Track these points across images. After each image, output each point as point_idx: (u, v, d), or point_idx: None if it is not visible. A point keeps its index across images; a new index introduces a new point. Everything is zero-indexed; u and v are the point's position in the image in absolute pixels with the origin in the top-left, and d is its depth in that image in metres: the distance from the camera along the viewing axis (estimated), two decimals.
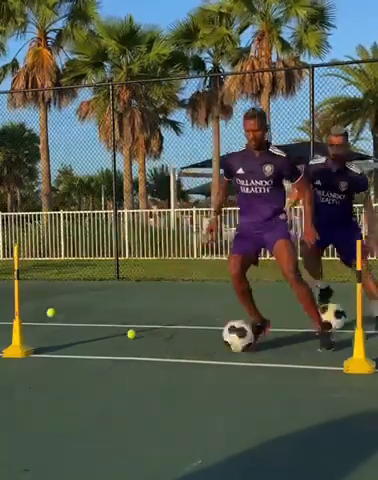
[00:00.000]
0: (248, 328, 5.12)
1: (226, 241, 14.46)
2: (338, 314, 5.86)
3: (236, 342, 5.06)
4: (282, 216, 5.17)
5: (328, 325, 5.30)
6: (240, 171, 5.11)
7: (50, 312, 6.72)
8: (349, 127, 28.43)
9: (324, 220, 5.65)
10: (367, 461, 2.87)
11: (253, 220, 5.14)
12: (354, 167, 5.74)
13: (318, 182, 5.73)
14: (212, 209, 5.61)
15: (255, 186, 5.07)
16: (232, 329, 5.10)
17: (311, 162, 5.89)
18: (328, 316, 5.81)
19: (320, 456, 2.94)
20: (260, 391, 4.04)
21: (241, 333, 5.06)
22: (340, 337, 5.40)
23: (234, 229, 5.50)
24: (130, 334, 5.63)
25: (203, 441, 3.16)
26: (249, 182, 5.08)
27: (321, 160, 5.84)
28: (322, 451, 2.99)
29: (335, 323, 5.75)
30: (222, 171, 5.41)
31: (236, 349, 5.06)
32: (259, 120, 4.96)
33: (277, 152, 5.10)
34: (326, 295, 6.12)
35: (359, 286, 4.40)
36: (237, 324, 5.12)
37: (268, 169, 5.02)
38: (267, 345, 5.28)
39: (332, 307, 5.91)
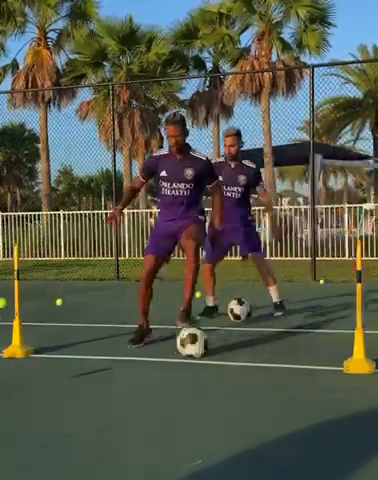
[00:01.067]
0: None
1: None
2: (240, 302, 6.39)
3: None
4: (201, 217, 5.48)
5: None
6: (163, 173, 5.35)
7: (58, 301, 7.55)
8: (349, 127, 28.48)
9: (225, 214, 6.19)
10: (367, 461, 2.87)
11: (171, 220, 5.41)
12: (249, 163, 6.46)
13: (220, 178, 6.19)
14: (119, 205, 5.87)
15: (176, 189, 5.34)
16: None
17: (213, 161, 6.33)
18: (237, 307, 6.36)
19: (320, 456, 2.94)
20: (260, 391, 4.04)
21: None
22: (340, 337, 5.40)
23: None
24: (58, 301, 6.11)
25: (203, 441, 3.16)
26: (171, 185, 5.34)
27: (222, 159, 6.55)
28: (322, 451, 2.99)
29: (239, 310, 6.34)
30: (139, 172, 6.00)
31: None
32: (180, 126, 5.26)
33: (197, 155, 5.38)
34: (210, 312, 6.71)
35: (359, 286, 4.40)
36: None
37: (189, 173, 5.29)
38: (267, 345, 5.29)
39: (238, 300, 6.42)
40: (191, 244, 5.25)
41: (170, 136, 5.25)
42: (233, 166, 6.39)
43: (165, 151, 5.47)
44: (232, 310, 6.36)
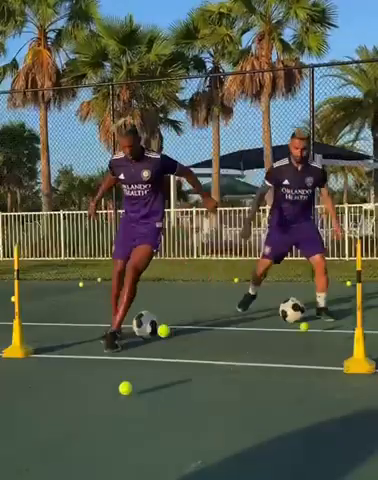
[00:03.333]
0: None
1: (226, 241, 14.46)
2: (295, 307, 6.20)
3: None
4: (159, 224, 5.66)
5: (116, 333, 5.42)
6: (121, 177, 5.66)
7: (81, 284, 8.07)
8: (349, 127, 28.48)
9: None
10: (367, 461, 2.87)
11: (132, 218, 5.73)
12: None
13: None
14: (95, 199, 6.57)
15: (134, 190, 5.63)
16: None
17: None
18: (287, 306, 6.21)
19: (320, 456, 2.94)
20: (260, 391, 4.04)
21: None
22: (340, 337, 5.41)
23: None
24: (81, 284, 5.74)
25: (203, 441, 3.16)
26: (130, 186, 5.62)
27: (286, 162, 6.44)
28: (322, 451, 2.99)
29: (291, 315, 6.17)
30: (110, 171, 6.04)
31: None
32: (135, 138, 5.42)
33: (152, 155, 5.57)
34: (249, 301, 6.77)
35: (359, 286, 4.40)
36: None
37: (145, 174, 5.50)
38: (267, 345, 5.29)
39: (292, 300, 6.26)
40: (130, 274, 5.49)
41: (123, 146, 5.43)
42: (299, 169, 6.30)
43: (122, 156, 5.69)
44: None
